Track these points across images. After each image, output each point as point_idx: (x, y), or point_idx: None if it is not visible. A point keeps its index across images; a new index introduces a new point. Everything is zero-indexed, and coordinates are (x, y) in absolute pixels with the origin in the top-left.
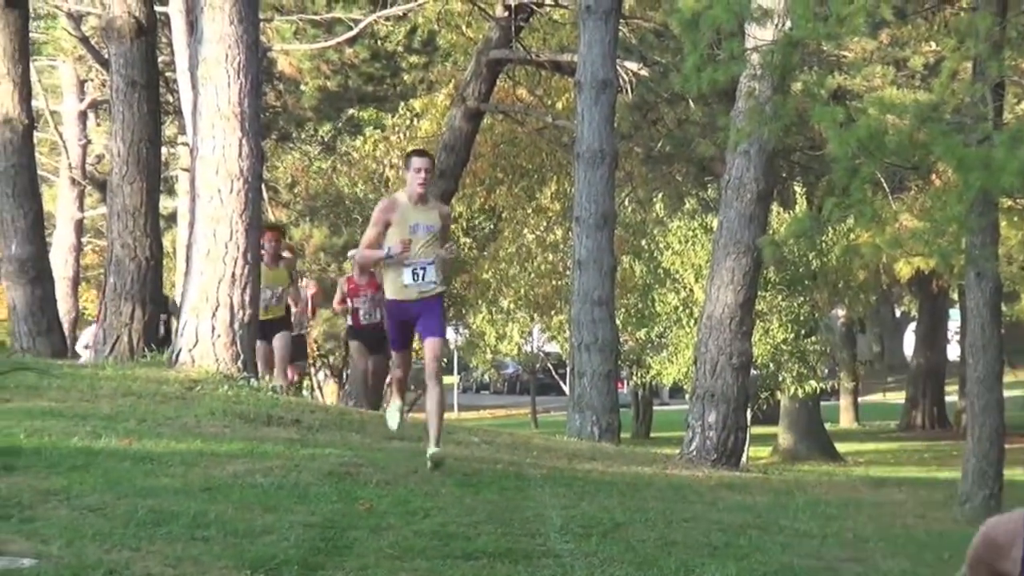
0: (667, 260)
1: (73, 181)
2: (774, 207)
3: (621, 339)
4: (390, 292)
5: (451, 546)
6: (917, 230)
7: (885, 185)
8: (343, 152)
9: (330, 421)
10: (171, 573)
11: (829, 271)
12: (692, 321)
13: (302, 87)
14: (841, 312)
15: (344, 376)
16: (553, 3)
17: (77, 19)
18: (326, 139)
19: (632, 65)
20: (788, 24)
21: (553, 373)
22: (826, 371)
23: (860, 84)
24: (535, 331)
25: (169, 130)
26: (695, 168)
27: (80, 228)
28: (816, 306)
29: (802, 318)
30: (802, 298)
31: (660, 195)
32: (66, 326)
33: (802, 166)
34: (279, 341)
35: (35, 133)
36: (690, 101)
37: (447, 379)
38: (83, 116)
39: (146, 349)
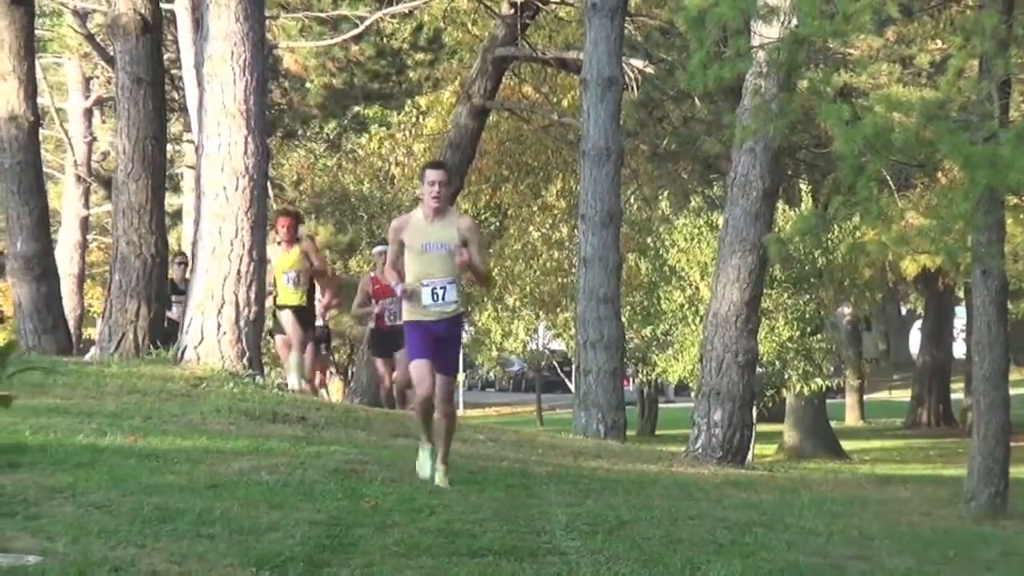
0: (673, 258)
1: (78, 178)
2: (780, 205)
3: (627, 337)
4: (408, 313)
5: (456, 544)
6: (923, 228)
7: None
8: (348, 149)
9: (336, 418)
10: (176, 570)
11: (835, 269)
12: (698, 319)
13: (307, 84)
14: (847, 310)
15: (349, 374)
16: (559, 1)
17: (83, 16)
18: (331, 136)
19: (638, 63)
20: (794, 22)
21: (559, 371)
22: (832, 369)
23: (866, 82)
24: (541, 328)
25: (174, 127)
26: (701, 166)
27: (85, 225)
28: (822, 304)
29: (808, 316)
30: (808, 296)
31: (666, 193)
32: (71, 323)
33: (808, 164)
34: (307, 353)
35: (40, 130)
36: (696, 99)
37: None
38: (88, 113)
39: (151, 346)
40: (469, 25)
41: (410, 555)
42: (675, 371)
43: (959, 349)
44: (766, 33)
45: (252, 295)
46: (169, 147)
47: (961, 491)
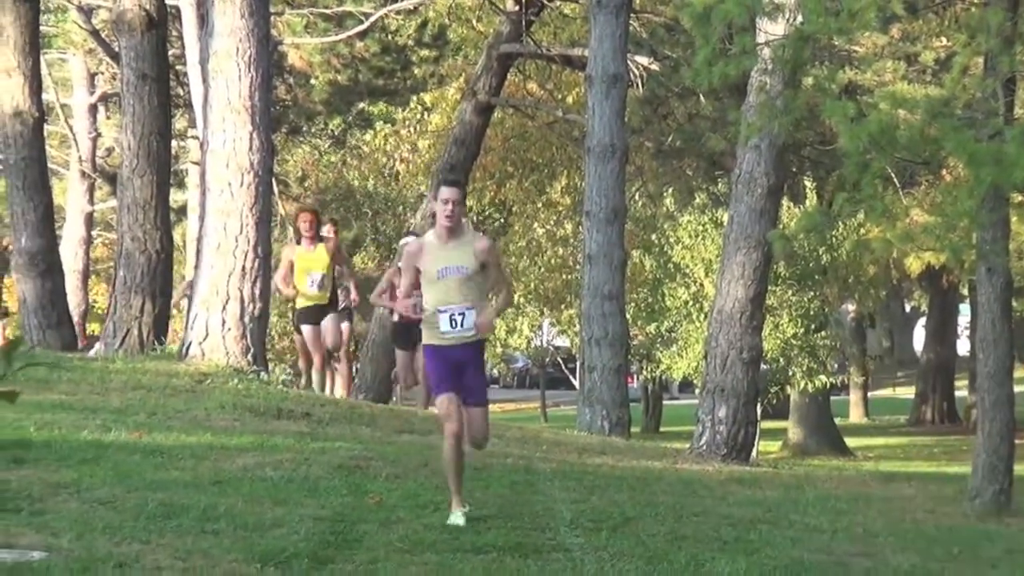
0: (677, 254)
1: (83, 174)
2: (784, 202)
3: (631, 333)
4: (427, 338)
5: (461, 540)
6: (928, 225)
7: (896, 180)
8: (353, 146)
9: (340, 415)
10: (181, 566)
11: (839, 266)
12: (702, 315)
13: (312, 81)
14: (851, 307)
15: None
16: None
17: (87, 12)
18: (336, 133)
19: (643, 59)
20: (799, 19)
21: (563, 367)
22: (836, 366)
23: (871, 79)
24: (545, 325)
25: (179, 123)
26: (705, 162)
27: (90, 221)
28: (826, 301)
29: (812, 313)
30: (812, 293)
31: (670, 189)
32: (76, 319)
33: (812, 161)
34: (329, 322)
35: (45, 126)
36: (701, 95)
37: None
38: (93, 109)
39: (156, 342)
40: (474, 21)
41: (414, 551)
42: (679, 368)
43: (963, 346)
44: (771, 30)
45: (257, 291)
46: (174, 143)
47: (965, 488)
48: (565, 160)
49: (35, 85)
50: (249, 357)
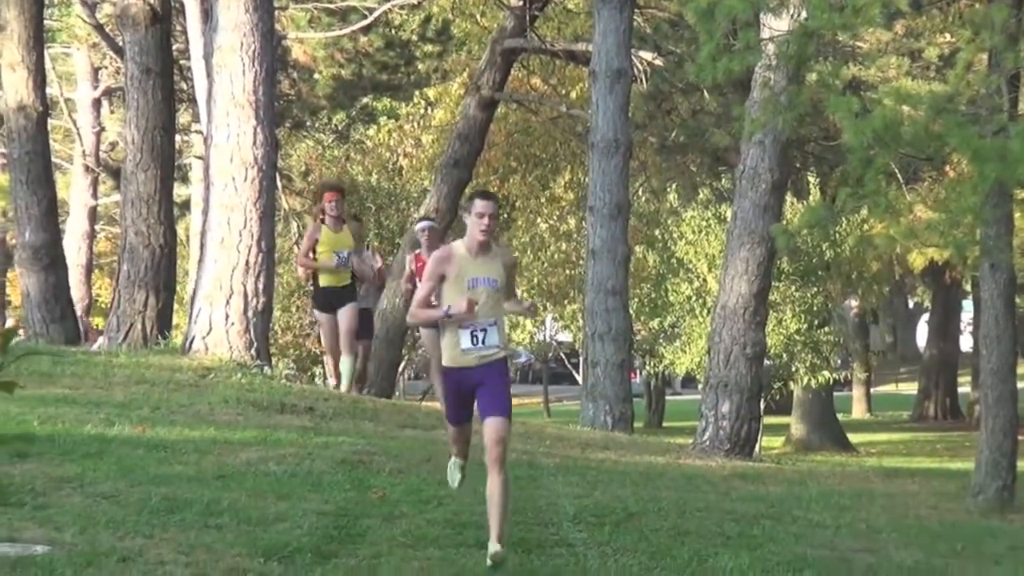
0: (681, 250)
1: (87, 168)
2: (788, 198)
3: (634, 329)
4: (445, 358)
5: (464, 535)
6: (932, 221)
7: (899, 176)
8: (357, 140)
9: (344, 409)
10: (184, 560)
11: (843, 262)
12: (705, 311)
13: (316, 75)
14: (854, 303)
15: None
16: None
17: (91, 6)
18: (340, 128)
19: (647, 55)
20: (803, 14)
21: (566, 362)
22: (839, 361)
23: (875, 75)
24: (548, 320)
25: (183, 117)
26: (709, 158)
27: (94, 215)
28: (829, 296)
29: (815, 308)
30: (815, 288)
31: (674, 185)
32: (79, 314)
33: (816, 157)
34: (346, 314)
35: (49, 120)
36: (705, 91)
37: None
38: (97, 103)
39: (159, 336)
40: (478, 16)
41: (418, 546)
42: (682, 363)
43: (966, 342)
44: (775, 26)
45: (260, 286)
46: (178, 137)
47: (968, 485)
48: (569, 155)
49: (39, 79)
50: (252, 352)
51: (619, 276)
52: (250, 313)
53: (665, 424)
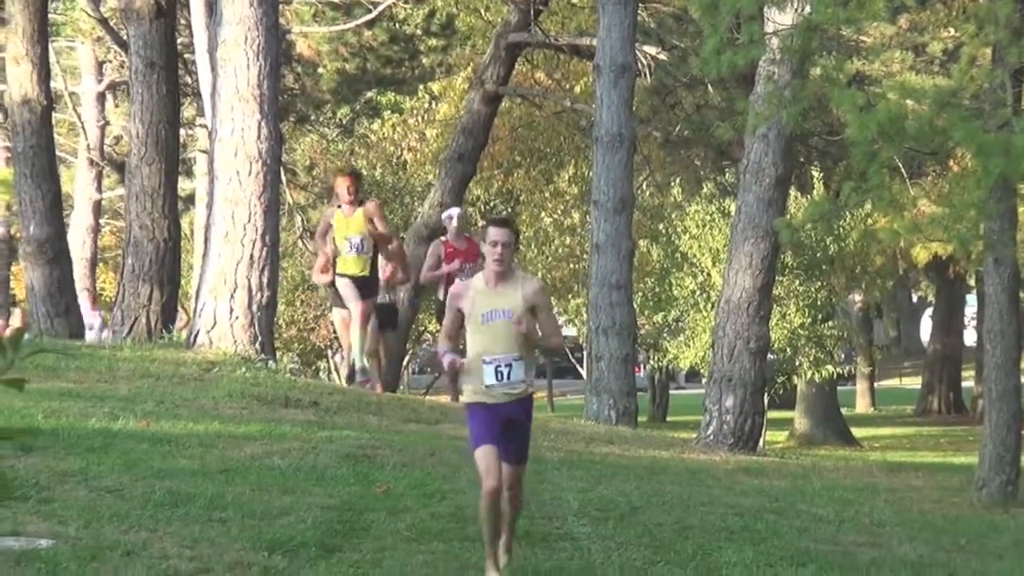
0: (685, 244)
1: (91, 162)
2: (792, 192)
3: (638, 323)
4: (469, 395)
5: (468, 529)
6: (936, 215)
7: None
8: (361, 135)
9: (348, 403)
10: (188, 554)
11: (846, 256)
12: (709, 305)
13: (320, 70)
14: (858, 297)
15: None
16: None
17: (96, 0)
18: (344, 122)
19: (651, 49)
20: (807, 8)
21: (570, 356)
22: (843, 356)
23: (879, 69)
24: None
25: (187, 111)
26: (713, 152)
27: (98, 209)
28: (833, 291)
29: (819, 303)
30: (819, 283)
31: (678, 179)
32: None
33: (820, 151)
34: (367, 305)
35: (53, 114)
36: (709, 85)
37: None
38: (101, 97)
39: (164, 330)
40: (482, 11)
41: (421, 540)
42: (686, 357)
43: (970, 337)
44: (779, 20)
45: (265, 279)
46: (182, 131)
47: (972, 479)
48: (573, 149)
49: (43, 73)
50: (257, 345)
51: (623, 270)
52: (254, 307)
53: (669, 418)
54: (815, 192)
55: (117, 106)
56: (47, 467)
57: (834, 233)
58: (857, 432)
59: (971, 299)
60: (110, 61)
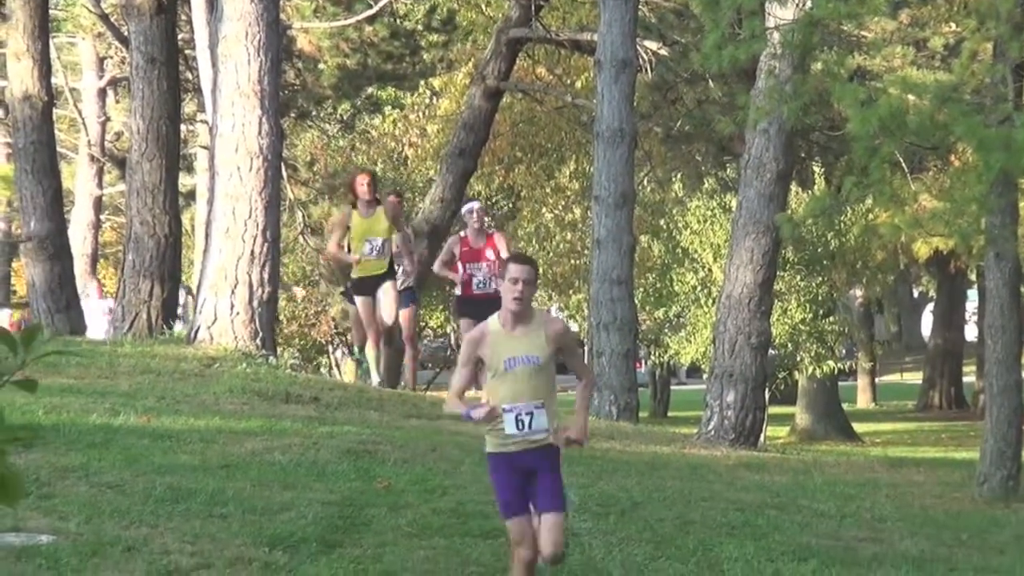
0: (686, 239)
1: (92, 158)
2: (793, 187)
3: (639, 318)
4: (491, 444)
5: (469, 524)
6: (937, 210)
7: (904, 165)
8: (362, 130)
9: (348, 399)
10: (189, 550)
11: (847, 251)
12: (710, 301)
13: (321, 65)
14: (859, 292)
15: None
16: None
17: None
18: (345, 117)
19: (652, 44)
20: (809, 3)
21: None
22: (844, 351)
23: (879, 64)
24: (553, 310)
25: (188, 107)
26: (714, 147)
27: (99, 205)
28: (834, 286)
29: (820, 298)
30: (820, 278)
31: (679, 174)
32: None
33: (821, 146)
34: (384, 295)
35: (54, 110)
36: (710, 80)
37: None
38: (102, 93)
39: (164, 326)
40: (483, 6)
41: (423, 535)
42: (688, 353)
43: (971, 332)
44: (781, 14)
45: (266, 275)
46: (183, 127)
47: (973, 474)
48: (574, 145)
49: (44, 69)
50: (258, 341)
51: (624, 266)
52: (255, 303)
53: (670, 414)
54: (816, 187)
55: (118, 102)
56: (48, 463)
57: (835, 228)
58: (858, 427)
59: (972, 294)
60: (111, 57)
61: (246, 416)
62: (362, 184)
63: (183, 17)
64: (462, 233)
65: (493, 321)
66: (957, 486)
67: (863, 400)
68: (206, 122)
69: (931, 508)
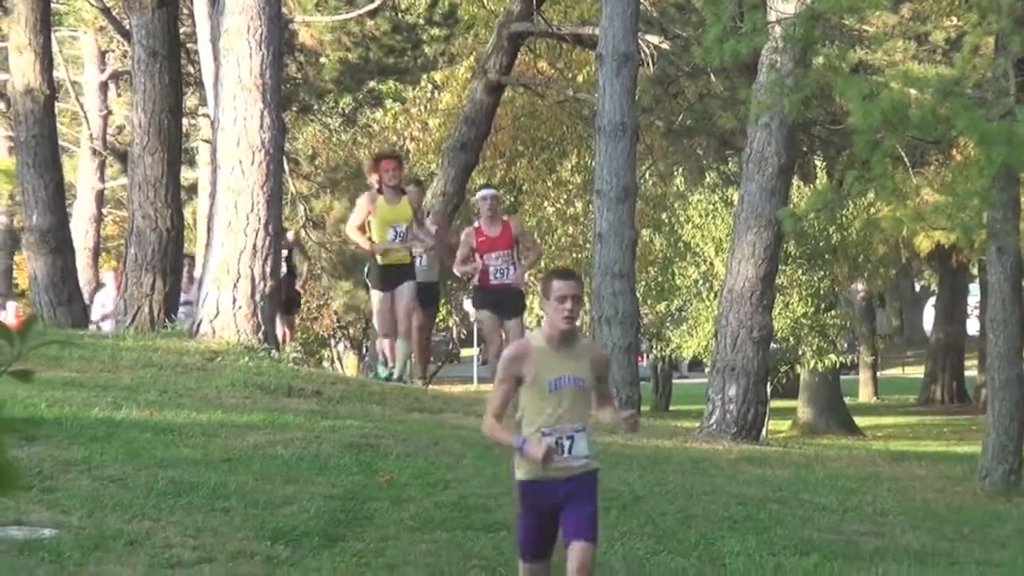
0: (687, 233)
1: (94, 152)
2: (795, 181)
3: (641, 312)
4: (522, 472)
5: (471, 518)
6: (938, 204)
7: (906, 159)
8: (364, 124)
9: (351, 393)
10: (191, 543)
11: (849, 245)
12: (712, 294)
13: (323, 59)
14: (861, 286)
15: (364, 348)
16: None
17: None
18: (347, 111)
19: (653, 38)
20: None
21: None
22: (845, 345)
23: (881, 58)
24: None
25: (190, 101)
26: (716, 141)
27: (101, 199)
28: (836, 280)
29: (822, 292)
30: (822, 272)
31: (681, 168)
32: (86, 296)
33: (823, 140)
34: (404, 294)
35: (56, 104)
36: (711, 74)
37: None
38: (104, 87)
39: (166, 320)
40: (484, 0)
41: (425, 529)
42: (689, 347)
43: (973, 326)
44: (782, 8)
45: (268, 269)
46: (185, 121)
47: (975, 468)
48: (575, 139)
49: (46, 62)
50: (260, 335)
51: (626, 260)
52: (257, 296)
53: (672, 408)
54: (818, 181)
55: (120, 95)
56: (50, 456)
57: (837, 222)
58: (860, 421)
59: (974, 288)
60: (113, 50)
61: (248, 410)
62: (387, 170)
63: (185, 11)
64: (475, 224)
65: (536, 338)
66: (959, 480)
67: (865, 394)
68: (208, 116)
69: (933, 502)
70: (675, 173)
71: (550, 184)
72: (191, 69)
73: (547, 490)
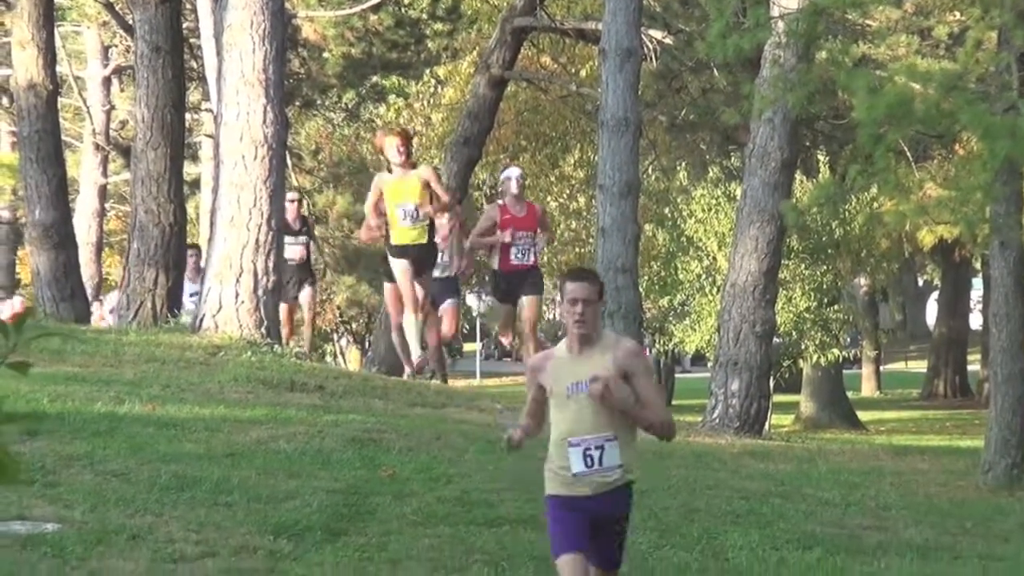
0: (690, 228)
1: (97, 147)
2: (797, 176)
3: (644, 307)
4: (552, 486)
5: (474, 512)
6: (941, 198)
7: (908, 154)
8: (367, 119)
9: (353, 387)
10: (194, 538)
11: (852, 240)
12: (715, 289)
13: (326, 54)
14: (864, 281)
15: (367, 343)
16: None
17: None
18: (350, 106)
19: (657, 33)
20: None
21: None
22: (848, 340)
23: (884, 53)
24: (558, 299)
25: (193, 96)
26: (719, 136)
27: (104, 194)
28: (839, 275)
29: (825, 286)
30: (825, 267)
31: (684, 163)
32: (89, 292)
33: (826, 135)
34: (421, 283)
35: (59, 99)
36: (715, 69)
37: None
38: (107, 82)
39: (169, 315)
40: None
41: (427, 523)
42: (692, 341)
43: (975, 320)
44: (785, 3)
45: (270, 264)
46: (188, 116)
47: (978, 462)
48: (578, 134)
49: (49, 57)
50: (263, 330)
51: (629, 254)
52: (260, 291)
53: (675, 402)
54: (821, 176)
55: (123, 90)
56: (53, 451)
57: (840, 217)
58: (863, 416)
59: (977, 282)
60: (116, 45)
61: (251, 404)
62: (394, 147)
63: (188, 6)
64: (499, 201)
65: (560, 347)
66: (961, 474)
67: (868, 388)
68: (211, 111)
69: (935, 496)
70: (678, 168)
71: (553, 179)
72: (194, 64)
73: (576, 508)
